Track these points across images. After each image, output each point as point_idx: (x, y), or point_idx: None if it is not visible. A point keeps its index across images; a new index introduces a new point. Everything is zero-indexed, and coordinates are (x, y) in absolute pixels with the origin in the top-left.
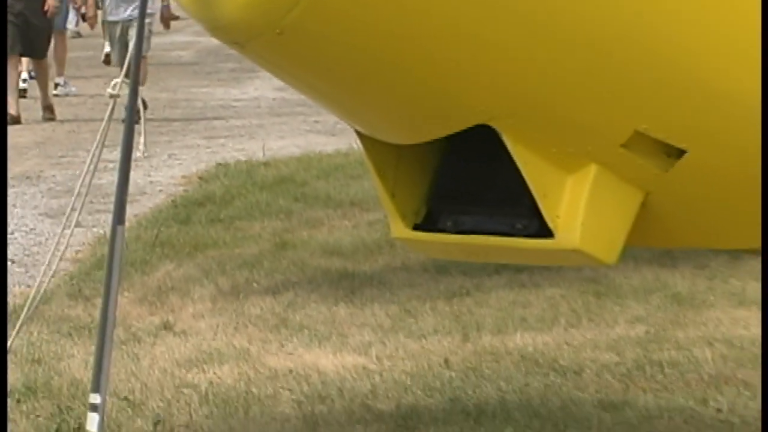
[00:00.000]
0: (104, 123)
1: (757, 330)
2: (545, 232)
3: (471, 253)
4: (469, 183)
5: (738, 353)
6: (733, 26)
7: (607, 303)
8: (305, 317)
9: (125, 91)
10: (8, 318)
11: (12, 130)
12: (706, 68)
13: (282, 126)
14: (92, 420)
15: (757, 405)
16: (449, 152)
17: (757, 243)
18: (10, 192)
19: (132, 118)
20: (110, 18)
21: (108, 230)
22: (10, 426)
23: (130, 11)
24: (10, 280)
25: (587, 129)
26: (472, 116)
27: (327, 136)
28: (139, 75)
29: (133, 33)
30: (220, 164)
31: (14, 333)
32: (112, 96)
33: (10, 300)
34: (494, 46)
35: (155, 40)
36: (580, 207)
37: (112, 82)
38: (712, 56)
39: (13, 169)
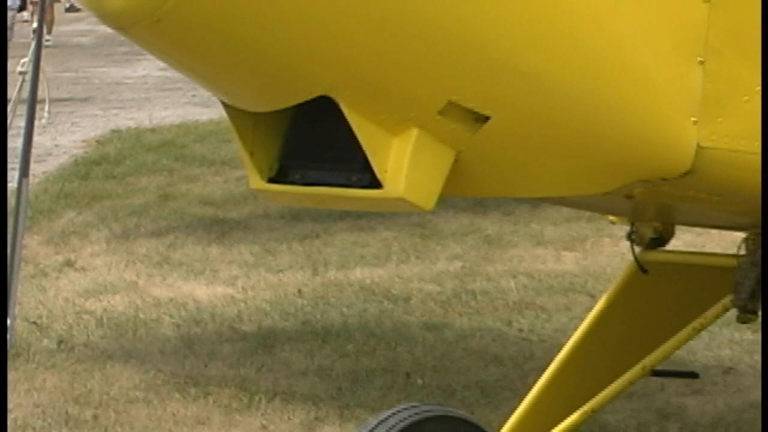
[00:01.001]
0: (14, 95)
1: (553, 265)
2: (376, 183)
3: (316, 201)
4: (314, 143)
5: (536, 284)
6: (527, 16)
7: (430, 243)
8: (183, 255)
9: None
10: None
11: None
12: (505, 50)
13: (165, 99)
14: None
15: (551, 326)
16: (298, 118)
17: (550, 192)
18: None
19: (35, 90)
20: None
21: None
22: None
23: None
24: None
25: (409, 99)
26: (314, 89)
27: (202, 107)
28: (40, 54)
29: None
30: (114, 130)
31: None
32: (21, 73)
33: None
34: (331, 33)
35: (61, 28)
36: (404, 163)
37: (21, 62)
38: (509, 41)
39: None
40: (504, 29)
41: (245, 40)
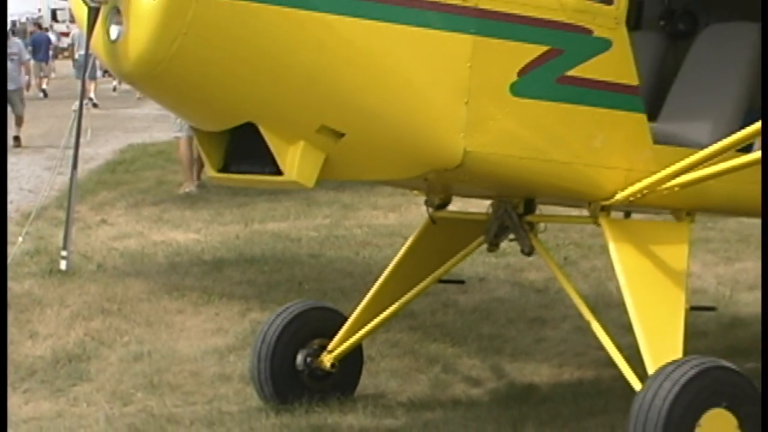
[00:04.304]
0: (70, 123)
1: (383, 221)
2: (280, 173)
3: (246, 183)
4: (244, 148)
5: (373, 231)
6: (370, 76)
7: (312, 208)
8: (170, 216)
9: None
10: (23, 219)
11: (29, 128)
12: (355, 96)
13: (160, 126)
14: (63, 264)
15: (382, 255)
16: (235, 133)
17: (381, 176)
18: (27, 158)
19: (80, 122)
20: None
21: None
22: (25, 269)
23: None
24: (26, 199)
25: (299, 124)
26: (244, 118)
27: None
28: (83, 99)
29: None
30: (130, 144)
31: (26, 227)
32: (74, 111)
33: (26, 206)
34: (255, 88)
35: (107, 84)
36: (296, 161)
37: (73, 105)
38: (358, 90)
39: (30, 145)
40: (354, 84)
41: (205, 90)
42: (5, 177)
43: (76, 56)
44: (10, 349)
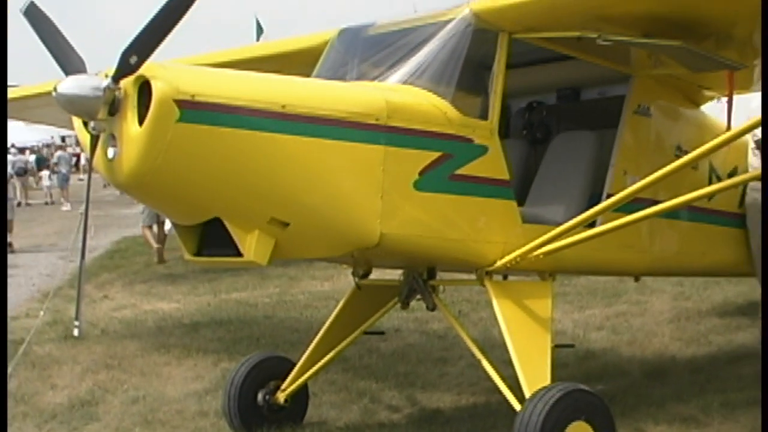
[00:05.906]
0: (78, 222)
1: (320, 288)
2: (240, 255)
3: (214, 264)
4: (212, 236)
5: (314, 296)
6: (311, 182)
7: (265, 281)
8: (156, 291)
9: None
10: (44, 297)
11: (45, 227)
12: (297, 196)
13: None
14: (75, 331)
15: (320, 314)
16: (205, 226)
17: (317, 255)
18: (46, 254)
19: (86, 224)
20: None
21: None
22: (46, 336)
23: None
24: (44, 282)
25: (253, 217)
26: (212, 214)
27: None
28: (88, 205)
29: None
30: (125, 237)
31: (46, 303)
32: (81, 213)
33: (46, 287)
34: (218, 194)
35: (106, 192)
36: (252, 245)
37: (80, 209)
38: (300, 192)
39: (45, 242)
40: (296, 186)
41: (182, 193)
42: (5, 185)
43: (64, 171)
44: (36, 398)
